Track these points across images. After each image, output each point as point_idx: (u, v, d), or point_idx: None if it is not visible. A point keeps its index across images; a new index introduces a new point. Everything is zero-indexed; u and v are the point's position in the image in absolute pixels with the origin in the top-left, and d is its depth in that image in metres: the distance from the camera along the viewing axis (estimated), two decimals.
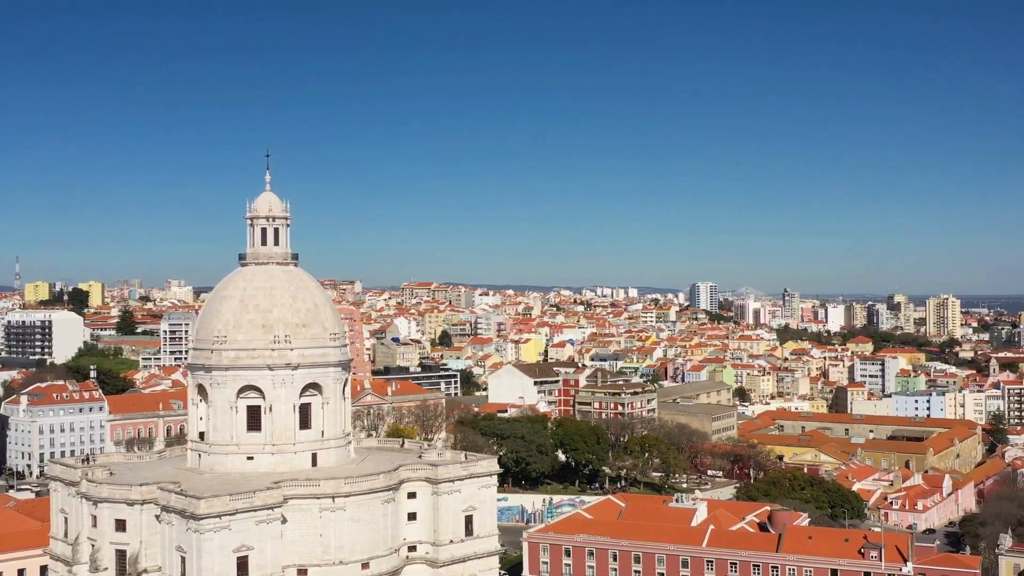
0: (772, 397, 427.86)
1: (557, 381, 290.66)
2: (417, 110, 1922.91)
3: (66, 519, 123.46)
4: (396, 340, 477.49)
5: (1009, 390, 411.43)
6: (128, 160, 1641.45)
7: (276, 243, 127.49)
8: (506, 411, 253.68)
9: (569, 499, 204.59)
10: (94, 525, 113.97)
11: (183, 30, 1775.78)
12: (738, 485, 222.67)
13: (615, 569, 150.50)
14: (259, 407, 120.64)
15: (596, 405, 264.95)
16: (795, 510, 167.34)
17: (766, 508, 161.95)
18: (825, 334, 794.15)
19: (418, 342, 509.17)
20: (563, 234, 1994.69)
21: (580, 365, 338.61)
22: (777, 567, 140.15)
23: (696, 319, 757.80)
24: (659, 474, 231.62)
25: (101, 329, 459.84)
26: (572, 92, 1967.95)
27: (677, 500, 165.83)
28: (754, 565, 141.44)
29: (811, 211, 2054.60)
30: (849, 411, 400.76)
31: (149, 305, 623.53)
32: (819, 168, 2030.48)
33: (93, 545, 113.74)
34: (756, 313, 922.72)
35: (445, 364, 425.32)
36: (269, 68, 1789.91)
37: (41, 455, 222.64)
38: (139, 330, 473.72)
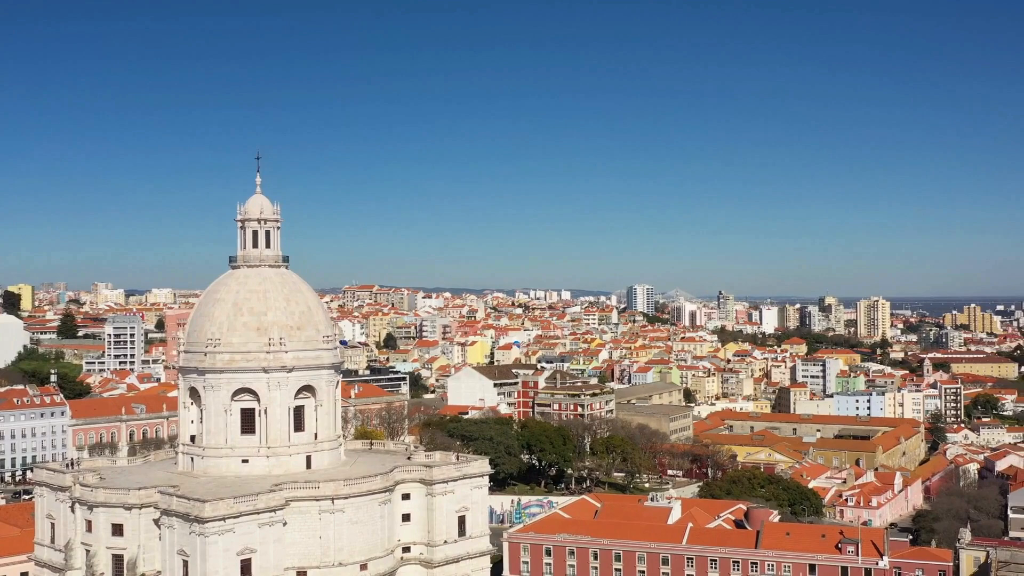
0: (717, 398, 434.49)
1: (516, 383, 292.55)
2: (346, 110, 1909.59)
3: (53, 525, 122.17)
4: (344, 343, 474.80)
5: (945, 390, 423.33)
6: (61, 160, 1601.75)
7: (268, 246, 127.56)
8: (467, 413, 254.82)
9: (537, 500, 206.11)
10: (88, 530, 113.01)
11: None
12: (700, 484, 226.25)
13: (595, 568, 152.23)
14: (253, 410, 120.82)
15: (556, 406, 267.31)
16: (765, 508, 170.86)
17: (740, 506, 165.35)
18: (760, 335, 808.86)
19: (365, 345, 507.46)
20: (494, 237, 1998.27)
21: (540, 367, 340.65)
22: (756, 563, 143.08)
23: (634, 321, 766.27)
24: (620, 474, 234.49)
25: (40, 332, 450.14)
26: (503, 96, 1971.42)
27: (652, 499, 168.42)
28: (733, 562, 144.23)
29: (742, 215, 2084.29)
30: (792, 411, 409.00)
31: (85, 308, 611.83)
32: (750, 173, 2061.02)
33: (88, 550, 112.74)
34: (692, 315, 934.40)
35: (393, 367, 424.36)
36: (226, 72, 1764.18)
37: (1, 461, 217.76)
38: (80, 333, 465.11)
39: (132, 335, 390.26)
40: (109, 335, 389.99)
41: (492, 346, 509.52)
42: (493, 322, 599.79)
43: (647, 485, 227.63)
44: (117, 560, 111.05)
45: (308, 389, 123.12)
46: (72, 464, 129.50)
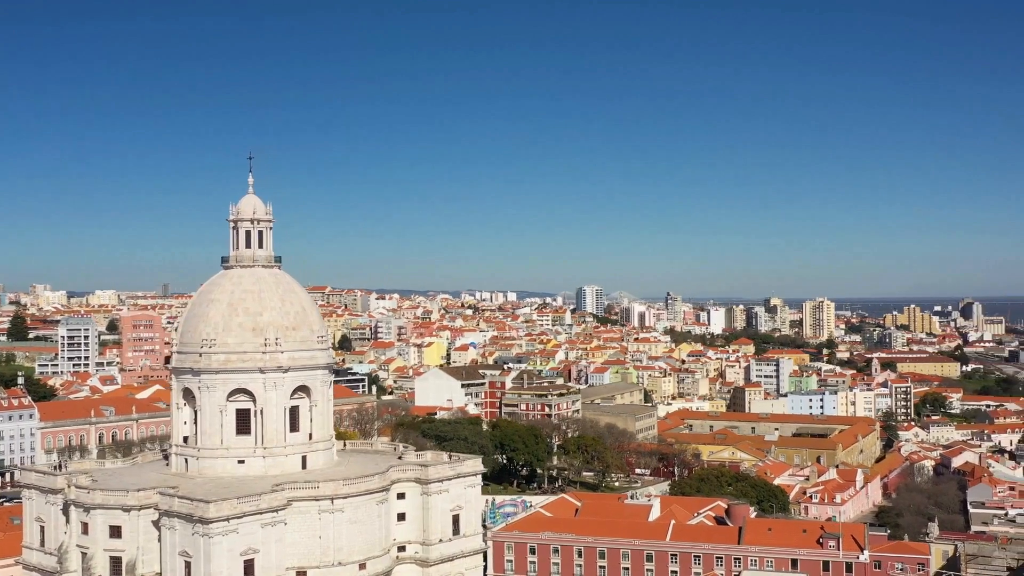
0: (673, 398, 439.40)
1: (483, 383, 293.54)
2: (283, 113, 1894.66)
3: (43, 528, 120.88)
4: None
5: (896, 389, 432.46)
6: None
7: (260, 246, 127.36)
8: (435, 413, 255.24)
9: (511, 499, 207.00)
10: (85, 532, 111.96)
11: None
12: (670, 483, 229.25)
13: (580, 565, 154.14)
14: (248, 410, 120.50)
15: (523, 406, 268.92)
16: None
17: (719, 503, 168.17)
18: (709, 336, 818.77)
19: None
20: (439, 239, 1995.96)
21: (507, 368, 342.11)
22: (740, 559, 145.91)
23: (585, 322, 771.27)
24: (589, 473, 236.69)
25: None
26: (448, 100, 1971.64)
27: (633, 497, 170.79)
28: (717, 558, 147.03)
29: (687, 217, 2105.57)
30: (747, 410, 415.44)
31: (31, 311, 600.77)
32: (695, 174, 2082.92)
33: (85, 553, 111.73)
34: (641, 316, 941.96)
35: (350, 368, 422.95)
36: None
37: None
38: (30, 336, 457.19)
39: (86, 337, 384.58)
40: (63, 337, 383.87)
41: (448, 347, 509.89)
42: (448, 323, 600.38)
43: (616, 484, 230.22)
44: (115, 562, 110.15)
45: (303, 389, 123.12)
46: (60, 466, 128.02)
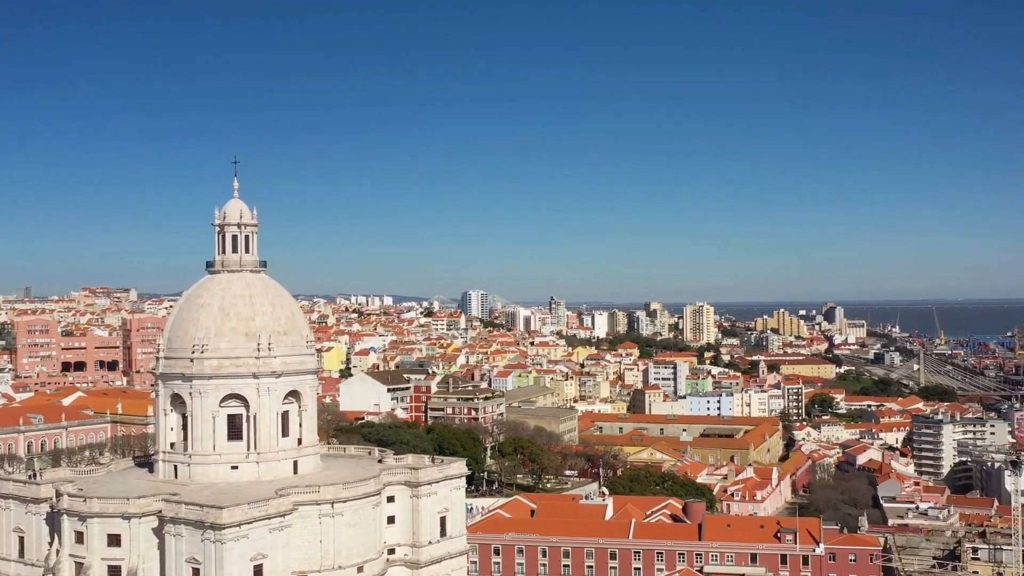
0: (575, 400, 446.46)
1: (408, 388, 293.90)
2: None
3: (22, 539, 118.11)
4: None
5: (788, 390, 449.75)
6: None
7: (247, 250, 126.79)
8: (362, 418, 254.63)
9: None
10: (79, 541, 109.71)
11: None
12: (598, 483, 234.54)
13: (544, 564, 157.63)
14: (239, 416, 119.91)
15: (450, 410, 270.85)
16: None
17: (670, 501, 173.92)
18: (594, 340, 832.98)
19: None
20: (313, 242, 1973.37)
21: (431, 372, 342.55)
22: (701, 554, 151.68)
23: (473, 327, 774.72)
24: (520, 475, 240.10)
25: None
26: (321, 101, 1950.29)
27: (587, 497, 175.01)
28: (679, 554, 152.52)
29: (562, 220, 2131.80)
30: (648, 411, 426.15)
31: None
32: (572, 179, 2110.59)
33: (80, 563, 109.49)
34: (527, 320, 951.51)
35: None
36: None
37: None
38: None
39: None
40: None
41: (348, 352, 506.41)
42: (345, 327, 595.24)
43: (549, 485, 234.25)
44: (114, 571, 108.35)
45: (293, 394, 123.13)
46: (35, 475, 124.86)
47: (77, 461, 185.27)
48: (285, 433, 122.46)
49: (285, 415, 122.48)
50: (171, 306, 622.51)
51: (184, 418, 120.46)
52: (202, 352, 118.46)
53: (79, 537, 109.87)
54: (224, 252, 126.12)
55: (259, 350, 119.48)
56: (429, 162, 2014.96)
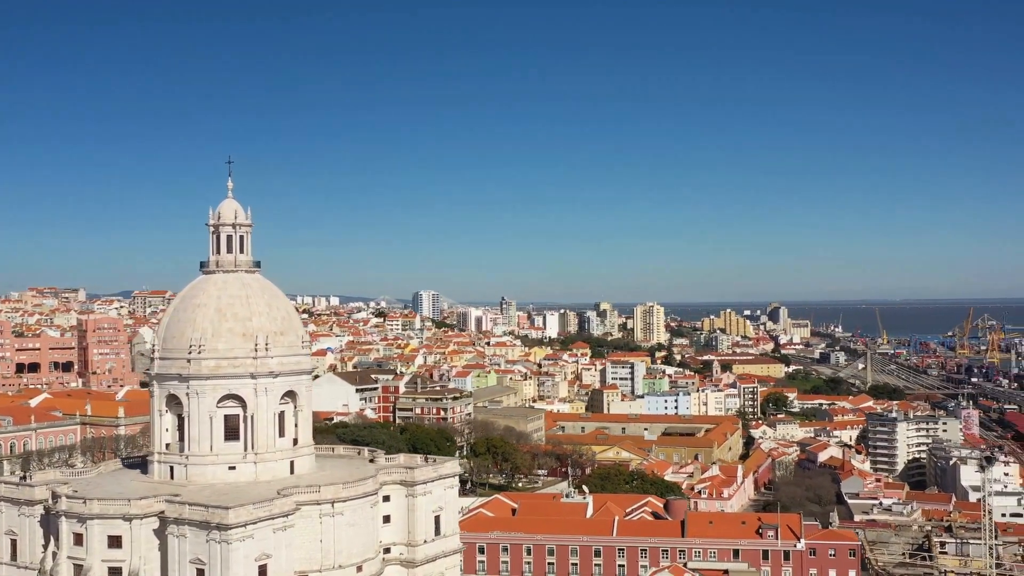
0: (534, 400, 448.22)
1: (376, 388, 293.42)
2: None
3: (14, 541, 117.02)
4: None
5: (744, 389, 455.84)
6: None
7: (241, 251, 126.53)
8: (332, 419, 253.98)
9: None
10: (78, 544, 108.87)
11: None
12: (568, 481, 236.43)
13: (529, 562, 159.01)
14: (236, 416, 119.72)
15: (418, 410, 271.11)
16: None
17: (650, 499, 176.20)
18: (547, 340, 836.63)
19: None
20: (259, 241, 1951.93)
21: (399, 372, 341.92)
22: (684, 551, 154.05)
23: (426, 327, 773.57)
24: (490, 475, 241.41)
25: None
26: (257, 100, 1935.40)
27: (568, 496, 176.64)
28: (663, 551, 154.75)
29: (514, 222, 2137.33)
30: (606, 411, 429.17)
31: None
32: (519, 180, 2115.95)
33: (79, 565, 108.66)
34: (479, 321, 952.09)
35: None
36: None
37: None
38: None
39: None
40: None
41: None
42: None
43: (520, 485, 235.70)
44: (114, 573, 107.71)
45: (289, 395, 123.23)
46: (25, 477, 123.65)
47: (49, 464, 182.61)
48: (282, 433, 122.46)
49: (281, 415, 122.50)
50: (121, 306, 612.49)
51: (180, 419, 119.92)
52: (199, 352, 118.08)
53: (78, 539, 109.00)
54: (219, 252, 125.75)
55: (256, 350, 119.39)
56: (376, 164, 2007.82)
